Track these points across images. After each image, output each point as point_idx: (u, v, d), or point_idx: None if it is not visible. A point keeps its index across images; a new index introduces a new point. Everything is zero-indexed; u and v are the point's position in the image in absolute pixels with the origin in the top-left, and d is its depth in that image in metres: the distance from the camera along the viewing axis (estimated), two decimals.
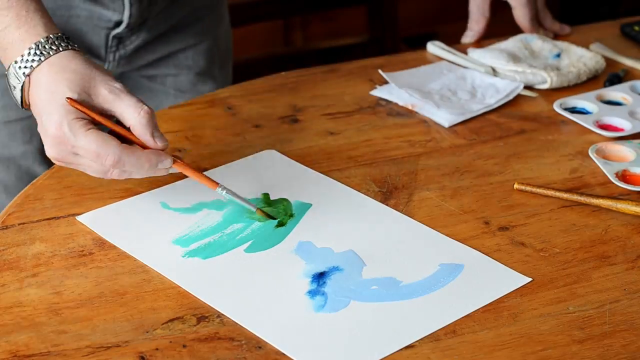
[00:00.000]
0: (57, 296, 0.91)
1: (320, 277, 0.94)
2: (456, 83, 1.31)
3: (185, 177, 1.08)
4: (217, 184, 1.01)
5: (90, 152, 0.97)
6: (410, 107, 1.26)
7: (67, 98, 0.98)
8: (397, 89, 1.28)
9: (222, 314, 0.89)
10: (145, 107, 0.99)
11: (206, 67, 1.44)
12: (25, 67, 1.00)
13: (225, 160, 1.13)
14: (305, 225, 1.02)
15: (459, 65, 1.36)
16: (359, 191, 1.08)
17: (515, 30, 1.44)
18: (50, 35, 1.01)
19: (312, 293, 0.92)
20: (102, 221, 1.01)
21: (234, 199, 1.01)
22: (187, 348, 0.85)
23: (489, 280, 0.94)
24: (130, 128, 1.00)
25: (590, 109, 1.25)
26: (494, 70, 1.33)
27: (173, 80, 1.42)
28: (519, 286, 0.93)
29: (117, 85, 1.00)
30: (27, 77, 1.00)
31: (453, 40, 1.47)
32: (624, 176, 1.11)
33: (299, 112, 1.25)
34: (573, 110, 1.25)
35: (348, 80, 1.33)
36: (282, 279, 0.94)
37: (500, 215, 1.05)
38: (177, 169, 1.01)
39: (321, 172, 1.11)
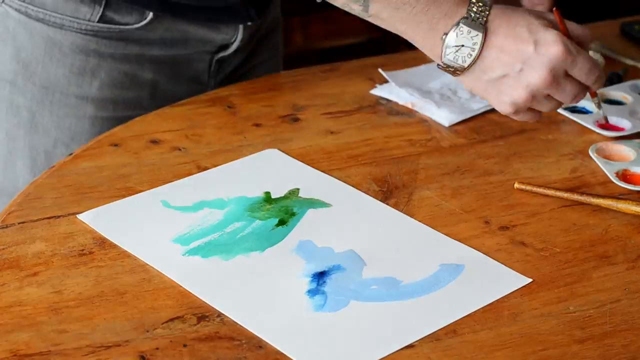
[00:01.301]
0: (57, 295, 0.91)
1: (320, 277, 0.94)
2: (456, 82, 1.31)
3: (186, 175, 1.08)
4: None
5: (587, 64, 1.05)
6: (410, 106, 1.26)
7: (555, 9, 1.08)
8: (397, 88, 1.28)
9: (223, 314, 0.89)
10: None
11: None
12: (479, 17, 1.05)
13: (226, 159, 1.13)
14: (305, 225, 1.02)
15: None
16: (359, 190, 1.08)
17: None
18: None
19: (312, 292, 0.92)
20: (103, 219, 1.01)
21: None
22: (188, 347, 0.85)
23: (490, 280, 0.94)
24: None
25: (590, 108, 1.25)
26: None
27: None
28: (519, 287, 0.93)
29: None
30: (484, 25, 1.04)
31: None
32: (624, 176, 1.11)
33: (299, 111, 1.25)
34: (573, 110, 1.25)
35: (348, 80, 1.33)
36: (282, 278, 0.94)
37: (500, 214, 1.05)
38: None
39: (321, 172, 1.11)
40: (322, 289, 0.93)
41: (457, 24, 1.04)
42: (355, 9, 1.08)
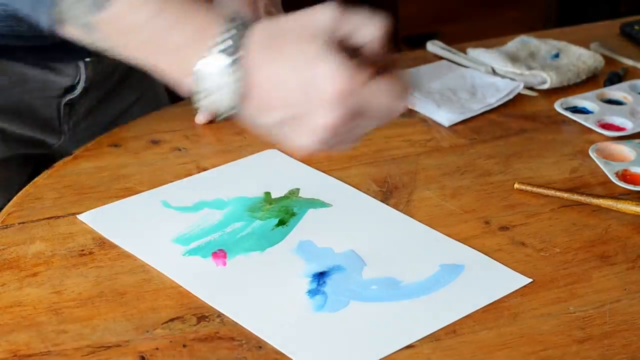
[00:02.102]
0: (57, 296, 0.91)
1: (320, 277, 0.94)
2: (456, 82, 1.31)
3: (186, 175, 1.08)
4: None
5: (385, 86, 0.79)
6: (410, 106, 1.26)
7: None
8: None
9: (222, 314, 0.89)
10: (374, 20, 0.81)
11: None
12: (233, 49, 0.79)
13: (226, 159, 1.13)
14: (306, 225, 1.02)
15: (459, 64, 1.36)
16: (359, 191, 1.08)
17: (515, 30, 1.44)
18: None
19: (312, 293, 0.92)
20: (103, 220, 1.01)
21: None
22: (187, 348, 0.85)
23: (490, 280, 0.94)
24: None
25: (591, 108, 1.25)
26: (493, 70, 1.33)
27: None
28: (519, 287, 0.93)
29: (334, 9, 0.80)
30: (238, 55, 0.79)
31: (453, 40, 1.47)
32: (624, 176, 1.11)
33: None
34: (574, 110, 1.25)
35: None
36: (282, 279, 0.94)
37: (500, 215, 1.05)
38: None
39: (321, 172, 1.11)
40: (322, 289, 0.93)
41: (206, 57, 0.79)
42: (88, 40, 0.86)
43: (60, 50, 1.11)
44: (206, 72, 0.79)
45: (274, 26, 0.80)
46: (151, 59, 0.83)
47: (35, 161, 1.22)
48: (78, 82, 1.19)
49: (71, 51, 1.11)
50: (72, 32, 0.85)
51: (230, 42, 0.79)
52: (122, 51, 0.85)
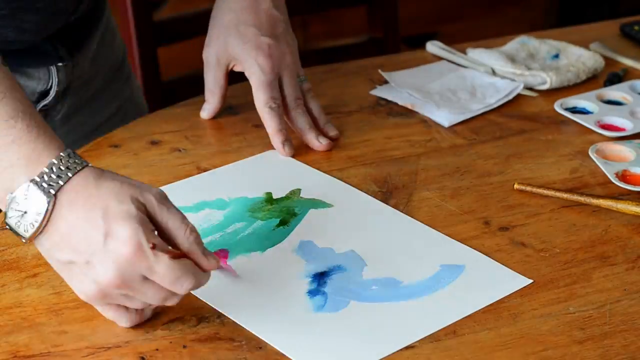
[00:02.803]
0: (57, 296, 0.91)
1: (320, 277, 0.94)
2: (456, 83, 1.31)
3: (186, 176, 1.08)
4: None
5: (169, 275, 0.83)
6: (410, 107, 1.26)
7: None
8: (397, 88, 1.28)
9: (222, 314, 0.89)
10: (190, 225, 0.87)
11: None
12: (52, 183, 0.84)
13: (226, 160, 1.13)
14: (306, 225, 1.02)
15: (458, 65, 1.36)
16: (360, 191, 1.08)
17: (515, 30, 1.44)
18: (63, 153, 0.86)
19: (313, 293, 0.92)
20: None
21: None
22: (187, 348, 0.85)
23: (490, 281, 0.94)
24: (179, 245, 0.86)
25: (590, 108, 1.25)
26: (493, 70, 1.33)
27: None
28: (519, 287, 0.93)
29: (161, 192, 0.88)
30: (54, 198, 0.84)
31: (453, 40, 1.47)
32: (624, 176, 1.11)
33: None
34: (574, 110, 1.25)
35: (348, 80, 1.33)
36: (283, 279, 0.94)
37: (500, 215, 1.05)
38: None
39: (322, 172, 1.11)
40: (322, 289, 0.93)
41: (28, 183, 0.84)
42: None
43: (32, 54, 1.14)
44: (20, 193, 0.84)
45: (100, 180, 0.85)
46: None
47: None
48: (51, 87, 1.18)
49: (44, 55, 1.15)
50: None
51: (48, 182, 0.84)
52: None
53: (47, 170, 0.84)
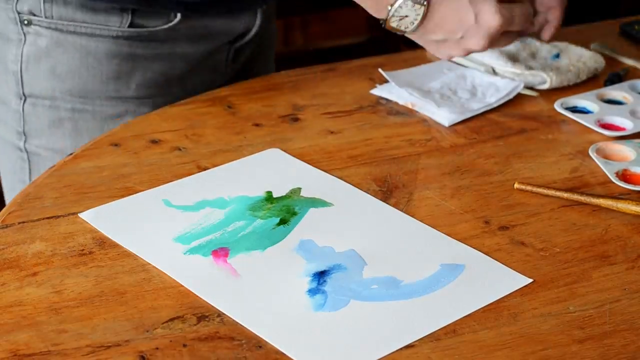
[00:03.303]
0: (57, 295, 0.91)
1: (320, 276, 0.94)
2: (456, 82, 1.31)
3: (186, 175, 1.08)
4: None
5: (521, 17, 1.22)
6: (410, 106, 1.26)
7: None
8: (397, 87, 1.28)
9: (223, 314, 0.89)
10: None
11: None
12: None
13: (226, 159, 1.13)
14: (306, 224, 1.02)
15: (458, 64, 1.36)
16: (360, 190, 1.08)
17: None
18: None
19: (312, 292, 0.92)
20: (104, 218, 1.01)
21: None
22: (188, 347, 0.85)
23: (490, 280, 0.94)
24: None
25: (591, 108, 1.25)
26: (493, 70, 1.33)
27: None
28: (519, 287, 0.93)
29: None
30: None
31: None
32: (624, 176, 1.11)
33: (299, 111, 1.25)
34: (574, 110, 1.25)
35: (348, 79, 1.33)
36: (283, 278, 0.94)
37: (500, 214, 1.05)
38: None
39: (322, 171, 1.11)
40: (322, 288, 0.93)
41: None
42: None
43: (245, 1, 1.32)
44: (402, 4, 1.17)
45: None
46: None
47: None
48: (252, 28, 1.35)
49: (253, 1, 1.34)
50: None
51: None
52: None
53: None
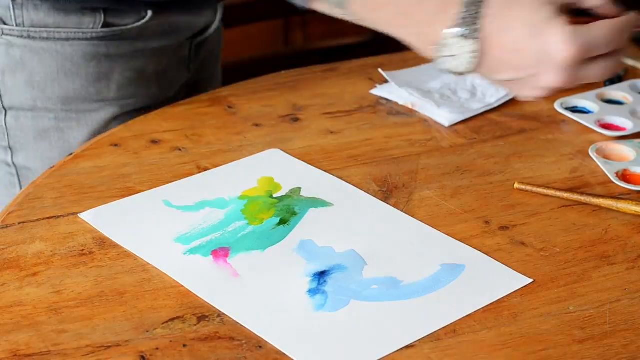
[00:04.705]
0: (57, 295, 0.91)
1: (320, 276, 0.94)
2: (456, 82, 1.31)
3: (186, 175, 1.08)
4: None
5: (605, 38, 0.92)
6: (410, 106, 1.26)
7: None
8: (397, 88, 1.28)
9: (223, 314, 0.89)
10: None
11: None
12: (468, 15, 0.93)
13: (226, 159, 1.13)
14: (306, 224, 1.02)
15: None
16: (360, 190, 1.08)
17: None
18: None
19: (313, 292, 0.92)
20: (105, 218, 1.01)
21: None
22: (188, 347, 0.85)
23: (490, 281, 0.94)
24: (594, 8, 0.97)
25: (591, 108, 1.25)
26: None
27: None
28: (519, 287, 0.93)
29: None
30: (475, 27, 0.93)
31: None
32: (624, 176, 1.11)
33: (299, 111, 1.25)
34: (574, 110, 1.25)
35: (348, 79, 1.33)
36: (283, 278, 0.94)
37: (500, 214, 1.05)
38: None
39: (322, 171, 1.11)
40: (322, 288, 0.93)
41: (447, 33, 0.94)
42: (338, 13, 1.02)
43: None
44: (447, 42, 0.94)
45: (501, 7, 0.93)
46: (398, 30, 0.99)
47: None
48: (212, 23, 1.35)
49: None
50: (322, 7, 1.01)
51: (469, 15, 0.93)
52: (369, 24, 1.00)
53: (463, 12, 0.93)
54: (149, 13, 1.25)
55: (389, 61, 1.38)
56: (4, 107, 1.25)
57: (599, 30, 0.93)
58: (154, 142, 1.16)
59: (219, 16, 1.37)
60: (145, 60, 1.28)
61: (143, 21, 1.25)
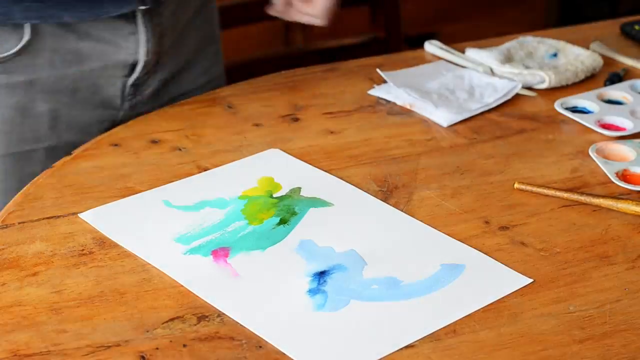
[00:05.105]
0: (57, 295, 0.91)
1: (320, 276, 0.94)
2: (454, 82, 1.31)
3: (186, 175, 1.08)
4: None
5: None
6: (408, 107, 1.26)
7: None
8: (395, 88, 1.28)
9: (223, 314, 0.89)
10: None
11: None
12: None
13: (226, 159, 1.13)
14: (306, 224, 1.02)
15: (456, 64, 1.36)
16: (360, 190, 1.08)
17: (515, 30, 1.44)
18: None
19: (313, 292, 0.92)
20: (105, 218, 1.01)
21: None
22: (188, 347, 0.85)
23: (490, 280, 0.94)
24: None
25: (591, 108, 1.25)
26: (491, 70, 1.33)
27: None
28: (519, 287, 0.93)
29: None
30: None
31: (453, 40, 1.47)
32: (624, 176, 1.11)
33: (299, 110, 1.25)
34: (574, 110, 1.25)
35: (348, 79, 1.33)
36: (283, 278, 0.94)
37: (500, 214, 1.05)
38: None
39: (323, 171, 1.11)
40: (322, 288, 0.93)
41: None
42: None
43: (109, 1, 1.14)
44: None
45: None
46: None
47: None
48: (138, 57, 1.21)
49: (120, 1, 1.15)
50: None
51: None
52: None
53: None
54: (27, 33, 1.12)
55: (389, 61, 1.38)
56: None
57: None
58: (154, 142, 1.16)
59: (141, 49, 1.21)
60: (30, 96, 1.16)
61: (21, 44, 1.13)
